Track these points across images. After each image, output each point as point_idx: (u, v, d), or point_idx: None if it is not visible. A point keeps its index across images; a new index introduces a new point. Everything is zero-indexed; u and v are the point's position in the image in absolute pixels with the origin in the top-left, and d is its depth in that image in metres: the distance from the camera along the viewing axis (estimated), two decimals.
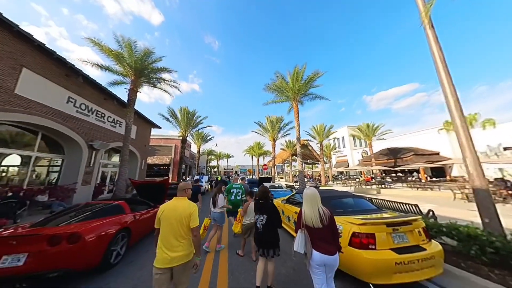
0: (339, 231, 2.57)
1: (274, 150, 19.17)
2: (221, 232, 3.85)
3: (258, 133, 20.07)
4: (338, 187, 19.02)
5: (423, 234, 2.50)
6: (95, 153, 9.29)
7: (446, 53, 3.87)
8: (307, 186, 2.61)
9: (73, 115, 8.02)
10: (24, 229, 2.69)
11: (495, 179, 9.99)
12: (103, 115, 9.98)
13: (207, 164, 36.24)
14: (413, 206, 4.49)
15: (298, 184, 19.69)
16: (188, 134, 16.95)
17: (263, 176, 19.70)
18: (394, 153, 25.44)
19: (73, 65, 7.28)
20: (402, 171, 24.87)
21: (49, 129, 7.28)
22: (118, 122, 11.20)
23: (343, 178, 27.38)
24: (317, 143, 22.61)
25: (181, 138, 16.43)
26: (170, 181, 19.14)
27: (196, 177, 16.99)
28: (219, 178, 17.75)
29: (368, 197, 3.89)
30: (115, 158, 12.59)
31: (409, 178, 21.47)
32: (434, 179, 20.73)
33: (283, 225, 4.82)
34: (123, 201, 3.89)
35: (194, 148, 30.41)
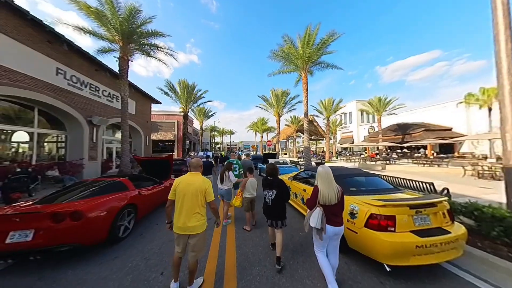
0: (355, 212, 2.39)
1: (279, 126, 18.63)
2: (228, 207, 3.88)
3: (262, 108, 19.20)
4: (342, 163, 19.06)
5: (447, 216, 2.29)
6: (96, 129, 9.13)
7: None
8: (313, 163, 2.43)
9: (66, 89, 7.53)
10: (29, 206, 2.65)
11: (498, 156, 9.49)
12: (97, 88, 9.41)
13: (210, 140, 36.46)
14: (427, 184, 4.26)
15: (303, 160, 19.82)
16: (189, 110, 16.36)
17: (267, 152, 19.78)
18: (403, 129, 24.47)
19: (52, 28, 6.41)
20: (408, 148, 24.41)
21: (44, 104, 6.94)
22: (115, 96, 10.66)
23: (347, 154, 27.35)
24: (323, 119, 21.72)
25: (182, 113, 15.92)
26: (175, 157, 19.50)
27: (200, 153, 17.17)
28: (223, 154, 17.92)
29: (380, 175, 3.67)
30: (119, 135, 12.54)
31: (415, 155, 21.11)
32: (441, 155, 20.27)
33: (290, 201, 4.82)
34: (126, 178, 3.80)
35: (196, 125, 30.10)
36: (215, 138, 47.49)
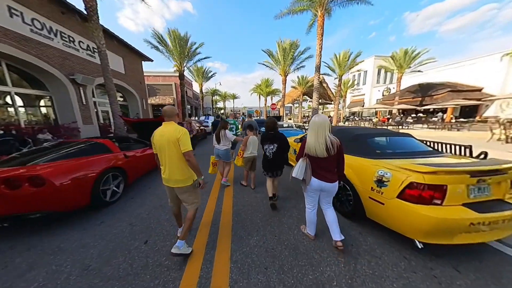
0: (385, 180, 1.83)
1: (285, 87, 16.78)
2: (229, 168, 3.78)
3: (267, 65, 16.85)
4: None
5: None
6: (83, 89, 8.26)
7: None
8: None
9: (30, 37, 6.26)
10: None
11: None
12: (71, 38, 7.94)
13: (212, 105, 34.87)
14: (463, 148, 3.57)
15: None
16: (185, 68, 14.57)
17: (271, 115, 18.71)
18: (424, 90, 21.89)
19: None
20: (425, 111, 22.45)
21: (8, 57, 5.91)
22: (96, 50, 9.17)
23: (356, 119, 25.86)
24: (335, 78, 19.28)
25: (178, 72, 14.28)
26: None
27: (202, 117, 16.44)
28: (223, 118, 17.07)
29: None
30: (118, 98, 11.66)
31: (433, 119, 19.46)
32: (461, 119, 18.58)
33: (290, 162, 4.40)
34: (108, 140, 3.29)
35: (196, 88, 28.04)
36: (218, 103, 45.44)
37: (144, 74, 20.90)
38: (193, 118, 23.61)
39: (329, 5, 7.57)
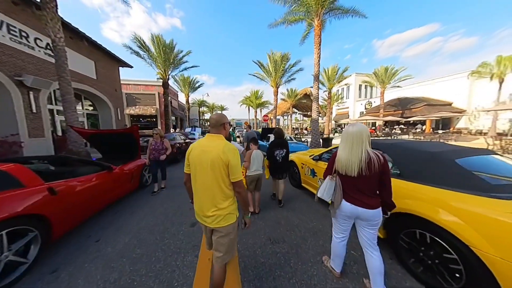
0: None
1: (276, 99, 16.45)
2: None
3: (258, 77, 16.54)
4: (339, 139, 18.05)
5: None
6: (34, 94, 6.59)
7: None
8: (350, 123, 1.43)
9: None
10: None
11: None
12: (24, 34, 6.47)
13: (199, 116, 33.44)
14: None
15: (310, 136, 18.32)
16: (169, 76, 13.44)
17: (266, 127, 18.03)
18: (403, 104, 23.66)
19: None
20: (406, 123, 24.16)
21: None
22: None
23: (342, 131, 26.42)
24: (324, 91, 19.72)
25: (161, 80, 13.05)
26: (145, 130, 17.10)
27: (188, 129, 15.03)
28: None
29: None
30: (82, 106, 9.90)
31: (414, 131, 20.74)
32: (439, 131, 20.21)
33: (308, 187, 3.40)
34: (16, 164, 1.92)
35: (182, 99, 26.72)
36: (205, 114, 44.11)
37: (123, 82, 19.25)
38: (177, 130, 21.86)
39: (324, 16, 7.35)
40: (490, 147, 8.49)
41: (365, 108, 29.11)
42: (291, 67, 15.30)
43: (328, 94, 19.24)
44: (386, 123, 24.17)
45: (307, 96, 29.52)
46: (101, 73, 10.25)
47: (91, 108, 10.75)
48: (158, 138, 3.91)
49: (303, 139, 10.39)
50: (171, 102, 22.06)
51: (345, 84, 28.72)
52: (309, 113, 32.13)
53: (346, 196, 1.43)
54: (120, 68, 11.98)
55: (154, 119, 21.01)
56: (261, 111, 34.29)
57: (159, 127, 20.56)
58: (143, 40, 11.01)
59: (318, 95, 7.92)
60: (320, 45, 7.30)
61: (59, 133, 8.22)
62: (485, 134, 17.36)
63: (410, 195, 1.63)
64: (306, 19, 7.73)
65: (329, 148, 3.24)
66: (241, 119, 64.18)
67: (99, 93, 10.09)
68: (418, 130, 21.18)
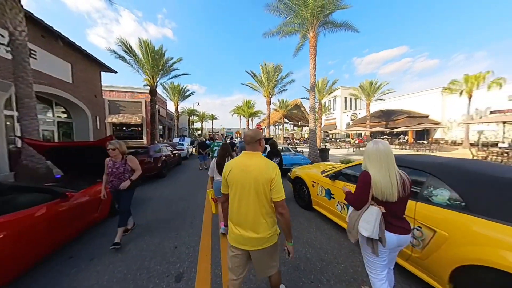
0: None
1: (269, 108, 16.36)
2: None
3: (250, 87, 16.45)
4: (333, 149, 18.17)
5: None
6: None
7: None
8: (372, 140, 1.30)
9: None
10: None
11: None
12: None
13: (189, 125, 32.29)
14: None
15: (303, 145, 18.16)
16: (157, 84, 12.72)
17: (266, 137, 17.61)
18: (387, 115, 25.18)
19: None
20: (389, 133, 25.52)
21: None
22: (32, 51, 6.75)
23: (333, 140, 27.10)
24: (315, 102, 20.15)
25: (149, 87, 12.26)
26: (140, 144, 15.74)
27: (176, 139, 14.08)
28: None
29: None
30: (52, 113, 8.69)
31: (397, 141, 21.86)
32: (424, 141, 21.54)
33: (322, 210, 2.87)
34: None
35: (171, 107, 25.69)
36: (195, 123, 42.91)
37: (107, 88, 18.00)
38: (164, 140, 20.62)
39: (318, 29, 7.43)
40: (475, 157, 8.83)
41: (351, 119, 30.45)
42: (283, 78, 15.49)
43: (319, 105, 19.70)
44: (371, 134, 25.24)
45: (297, 107, 30.19)
46: (78, 77, 9.26)
47: (65, 115, 9.54)
48: (117, 155, 2.50)
49: (298, 149, 10.07)
50: (159, 110, 20.99)
51: (334, 96, 30.07)
52: (299, 123, 32.67)
53: (388, 226, 1.25)
54: (105, 74, 11.08)
55: (140, 128, 19.67)
56: (252, 121, 34.21)
57: (145, 137, 19.24)
58: (129, 45, 10.35)
59: (314, 105, 7.75)
60: (315, 56, 7.28)
61: (17, 145, 6.96)
62: (459, 143, 18.68)
63: (493, 240, 1.19)
64: (301, 31, 7.75)
65: (346, 166, 2.74)
66: (232, 129, 63.71)
67: (74, 99, 9.02)
68: (401, 140, 22.41)
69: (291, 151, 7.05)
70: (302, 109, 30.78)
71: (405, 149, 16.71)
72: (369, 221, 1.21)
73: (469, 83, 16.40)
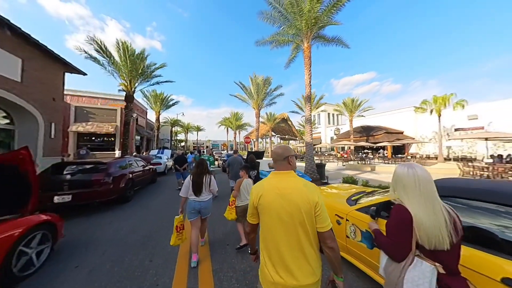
0: None
1: (258, 120, 15.84)
2: (207, 224, 2.74)
3: (239, 98, 15.96)
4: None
5: None
6: None
7: None
8: (402, 164, 0.90)
9: None
10: None
11: (491, 155, 9.79)
12: None
13: (171, 137, 30.10)
14: None
15: (299, 160, 17.34)
16: (138, 91, 11.44)
17: (253, 150, 16.67)
18: (367, 131, 26.70)
19: None
20: (370, 148, 26.89)
21: None
22: None
23: (318, 154, 27.48)
24: (302, 116, 20.38)
25: (125, 92, 10.86)
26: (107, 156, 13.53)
27: (153, 151, 12.43)
28: (189, 153, 13.17)
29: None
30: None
31: (378, 155, 22.87)
32: (399, 155, 22.86)
33: (357, 262, 1.97)
34: None
35: (152, 117, 23.78)
36: (178, 135, 40.48)
37: (75, 93, 15.90)
38: (139, 152, 18.49)
39: (312, 41, 7.31)
40: (457, 172, 9.06)
41: (335, 134, 31.72)
42: (272, 91, 15.38)
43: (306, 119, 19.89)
44: (355, 148, 26.28)
45: (284, 120, 30.57)
46: (31, 76, 7.63)
47: (6, 121, 7.61)
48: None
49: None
50: (137, 119, 19.09)
51: (322, 111, 31.37)
52: (286, 136, 32.93)
53: (440, 285, 0.87)
54: (78, 78, 9.48)
55: (113, 139, 17.41)
56: (239, 133, 33.43)
57: (117, 148, 16.93)
58: (103, 44, 9.14)
59: (310, 116, 7.28)
60: (310, 66, 7.02)
61: None
62: (433, 158, 20.10)
63: None
64: (295, 41, 7.56)
65: (385, 193, 1.94)
66: (218, 141, 61.92)
67: (21, 101, 7.29)
68: (381, 154, 23.59)
69: None
70: (289, 122, 31.25)
71: (388, 163, 17.27)
72: (420, 284, 0.86)
73: (438, 103, 18.16)
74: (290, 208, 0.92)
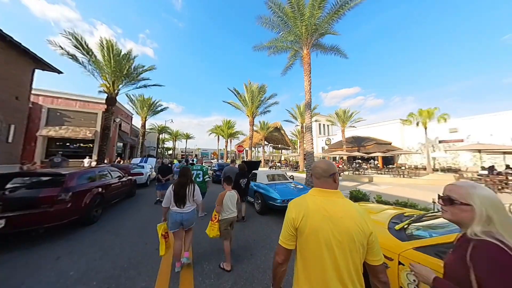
0: None
1: (252, 129, 15.31)
2: (191, 236, 2.54)
3: (233, 105, 15.45)
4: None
5: None
6: None
7: None
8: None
9: None
10: None
11: (482, 167, 9.99)
12: None
13: (158, 144, 28.30)
14: None
15: (291, 170, 16.86)
16: (122, 94, 10.48)
17: (248, 160, 15.81)
18: (358, 141, 27.35)
19: None
20: (361, 158, 27.44)
21: None
22: None
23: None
24: (296, 125, 20.35)
25: (106, 94, 9.85)
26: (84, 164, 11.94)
27: (135, 160, 11.20)
28: (175, 162, 11.99)
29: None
30: None
31: (370, 166, 23.20)
32: (390, 165, 23.39)
33: None
34: None
35: (138, 122, 22.26)
36: (166, 142, 38.51)
37: (49, 93, 14.43)
38: (121, 160, 16.91)
39: (311, 48, 7.13)
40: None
41: (326, 144, 32.15)
42: (267, 100, 15.13)
43: (301, 128, 19.83)
44: (347, 158, 26.61)
45: (277, 129, 30.46)
46: None
47: None
48: None
49: (293, 175, 8.68)
50: (120, 125, 17.65)
51: (315, 121, 31.88)
52: (279, 145, 32.67)
53: None
54: (59, 79, 8.35)
55: (91, 145, 15.73)
56: (231, 142, 32.57)
57: (95, 156, 15.23)
58: (83, 40, 8.27)
59: (311, 124, 6.87)
60: (310, 72, 6.75)
61: None
62: (421, 168, 20.73)
63: None
64: (293, 48, 7.34)
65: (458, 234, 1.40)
66: (208, 149, 60.16)
67: None
68: (372, 165, 24.03)
69: (287, 179, 5.58)
70: (282, 132, 31.18)
71: (382, 173, 17.36)
72: None
73: (423, 116, 19.07)
74: (341, 236, 0.81)
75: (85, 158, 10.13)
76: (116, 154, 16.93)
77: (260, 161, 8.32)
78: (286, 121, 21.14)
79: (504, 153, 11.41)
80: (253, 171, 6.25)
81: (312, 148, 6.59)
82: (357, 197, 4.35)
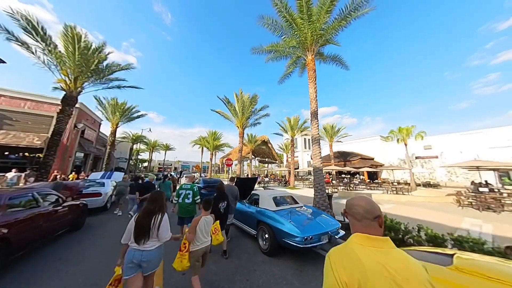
0: None
1: (242, 141, 14.14)
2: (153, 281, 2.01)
3: (221, 115, 14.24)
4: (306, 189, 16.72)
5: None
6: None
7: None
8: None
9: None
10: None
11: (472, 182, 10.18)
12: None
13: (131, 155, 24.78)
14: None
15: (280, 185, 15.44)
16: (85, 91, 8.60)
17: (243, 176, 14.11)
18: (343, 156, 27.94)
19: None
20: (347, 173, 27.90)
21: None
22: None
23: (298, 178, 26.79)
24: (285, 139, 19.89)
25: (64, 92, 7.88)
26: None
27: (96, 174, 8.90)
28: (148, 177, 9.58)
29: None
30: None
31: (357, 181, 23.48)
32: (375, 180, 23.93)
33: None
34: None
35: (107, 130, 19.27)
36: (141, 153, 34.44)
37: None
38: (84, 175, 13.82)
39: (317, 53, 6.68)
40: (449, 200, 8.92)
41: (311, 158, 32.41)
42: (258, 111, 14.41)
43: (291, 141, 19.34)
44: (331, 173, 26.74)
45: (264, 143, 29.75)
46: None
47: None
48: None
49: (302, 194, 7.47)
50: (83, 131, 14.81)
51: (306, 134, 32.14)
52: (266, 159, 31.75)
53: None
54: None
55: (40, 155, 12.53)
56: (215, 154, 30.57)
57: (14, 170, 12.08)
58: (36, 21, 6.54)
59: (318, 135, 6.00)
60: (315, 79, 6.14)
61: None
62: (405, 183, 21.54)
63: None
64: (296, 54, 6.80)
65: None
66: (189, 162, 56.13)
67: None
68: (358, 179, 24.41)
69: (297, 202, 4.38)
70: (270, 145, 30.55)
71: (373, 188, 17.31)
72: None
73: (403, 134, 20.28)
74: None
75: (11, 170, 7.57)
76: (72, 167, 13.82)
77: (257, 178, 7.01)
78: (276, 134, 20.61)
79: (495, 170, 12.21)
80: (251, 191, 4.93)
81: (321, 163, 5.65)
82: (394, 228, 3.31)
